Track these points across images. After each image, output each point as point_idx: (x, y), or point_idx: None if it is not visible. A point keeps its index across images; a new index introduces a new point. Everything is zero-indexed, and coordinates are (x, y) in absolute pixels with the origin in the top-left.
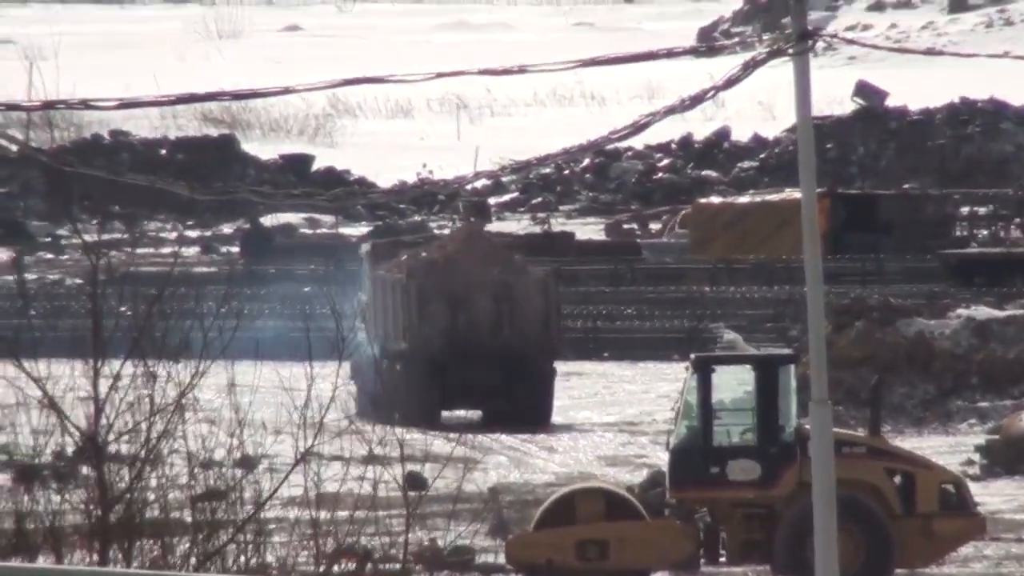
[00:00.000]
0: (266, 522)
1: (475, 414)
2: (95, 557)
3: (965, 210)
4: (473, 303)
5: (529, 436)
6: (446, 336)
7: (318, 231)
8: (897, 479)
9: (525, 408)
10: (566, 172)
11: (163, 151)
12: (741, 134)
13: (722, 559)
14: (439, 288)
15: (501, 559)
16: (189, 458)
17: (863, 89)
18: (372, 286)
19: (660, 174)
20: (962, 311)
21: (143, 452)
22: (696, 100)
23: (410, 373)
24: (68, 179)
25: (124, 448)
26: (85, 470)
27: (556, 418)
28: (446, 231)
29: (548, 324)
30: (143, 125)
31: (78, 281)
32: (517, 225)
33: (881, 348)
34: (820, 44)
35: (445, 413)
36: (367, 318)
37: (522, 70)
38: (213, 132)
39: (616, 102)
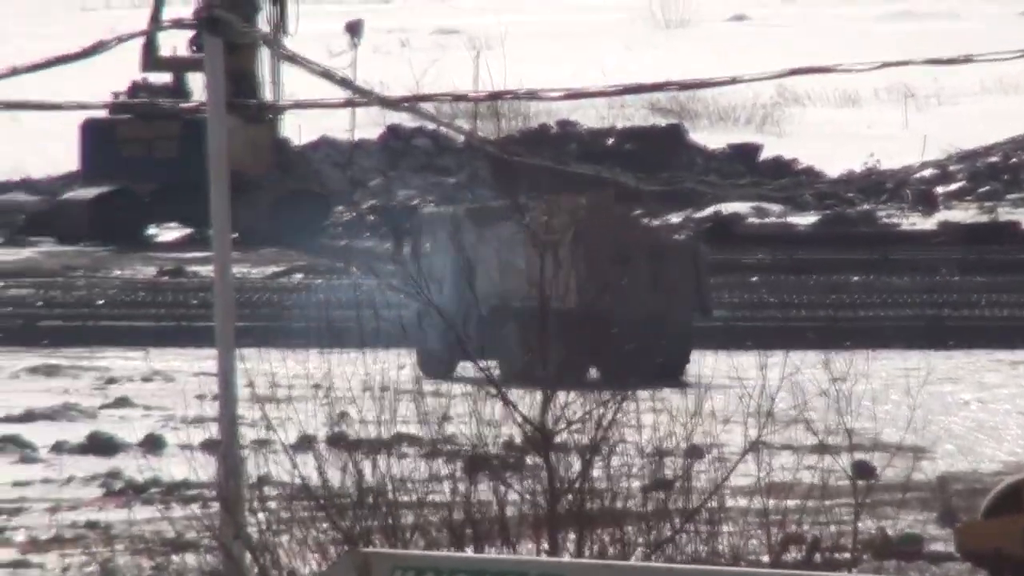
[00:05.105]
0: (716, 511)
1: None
2: (545, 546)
3: None
4: (632, 264)
5: (977, 424)
6: (612, 296)
7: (765, 220)
8: None
9: (667, 365)
10: (1013, 161)
11: (610, 141)
12: None
13: None
14: (604, 249)
15: (950, 548)
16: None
17: None
18: (479, 246)
19: None
20: None
21: (593, 441)
22: None
23: (572, 333)
24: (515, 169)
25: (573, 438)
26: (533, 460)
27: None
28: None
29: (697, 286)
30: (590, 115)
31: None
32: (964, 214)
33: None
34: None
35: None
36: (465, 279)
37: (968, 59)
38: (660, 122)
39: None
